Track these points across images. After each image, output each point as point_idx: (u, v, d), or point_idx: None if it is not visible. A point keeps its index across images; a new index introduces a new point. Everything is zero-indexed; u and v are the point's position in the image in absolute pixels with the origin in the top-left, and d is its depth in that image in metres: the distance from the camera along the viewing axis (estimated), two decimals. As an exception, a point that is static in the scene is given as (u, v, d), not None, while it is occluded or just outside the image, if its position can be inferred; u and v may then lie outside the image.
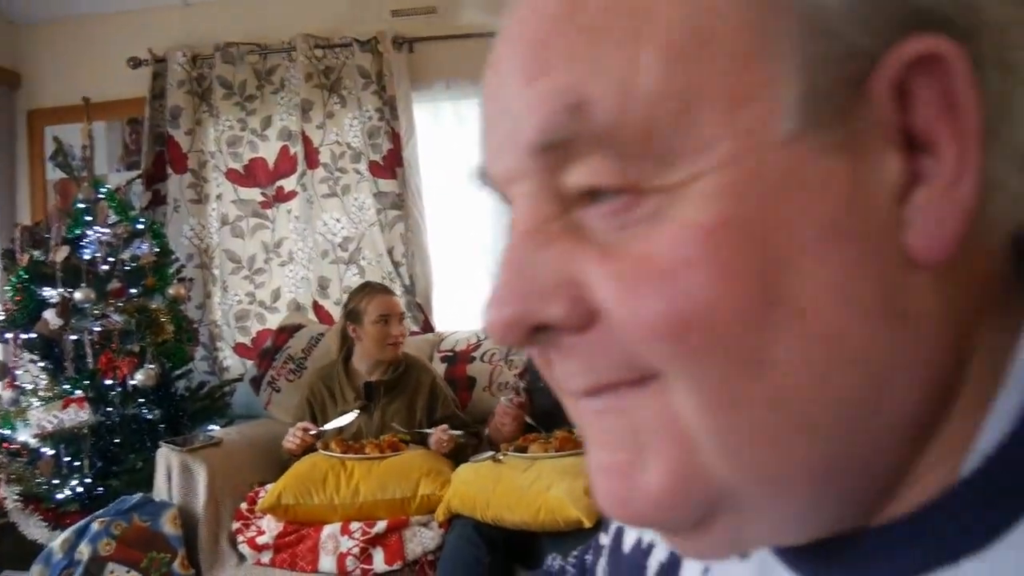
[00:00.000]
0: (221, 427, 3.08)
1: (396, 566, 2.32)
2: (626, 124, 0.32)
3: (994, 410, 0.32)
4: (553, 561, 0.93)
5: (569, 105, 0.33)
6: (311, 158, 3.55)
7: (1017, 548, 0.31)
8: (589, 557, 0.86)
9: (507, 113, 0.36)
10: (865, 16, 0.30)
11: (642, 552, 0.57)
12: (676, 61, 0.32)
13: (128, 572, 2.32)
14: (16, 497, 2.65)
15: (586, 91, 0.33)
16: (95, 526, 2.35)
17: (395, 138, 3.47)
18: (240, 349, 3.64)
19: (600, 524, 2.09)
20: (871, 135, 0.31)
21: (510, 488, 2.27)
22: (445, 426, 2.67)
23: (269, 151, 3.63)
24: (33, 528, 2.67)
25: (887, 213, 0.32)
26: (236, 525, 2.53)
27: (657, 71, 0.32)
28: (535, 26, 0.35)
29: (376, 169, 3.47)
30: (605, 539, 0.78)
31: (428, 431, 2.68)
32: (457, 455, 2.64)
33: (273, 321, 3.58)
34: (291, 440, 2.67)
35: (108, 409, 2.87)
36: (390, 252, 3.46)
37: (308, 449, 2.69)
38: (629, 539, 0.61)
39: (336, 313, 3.53)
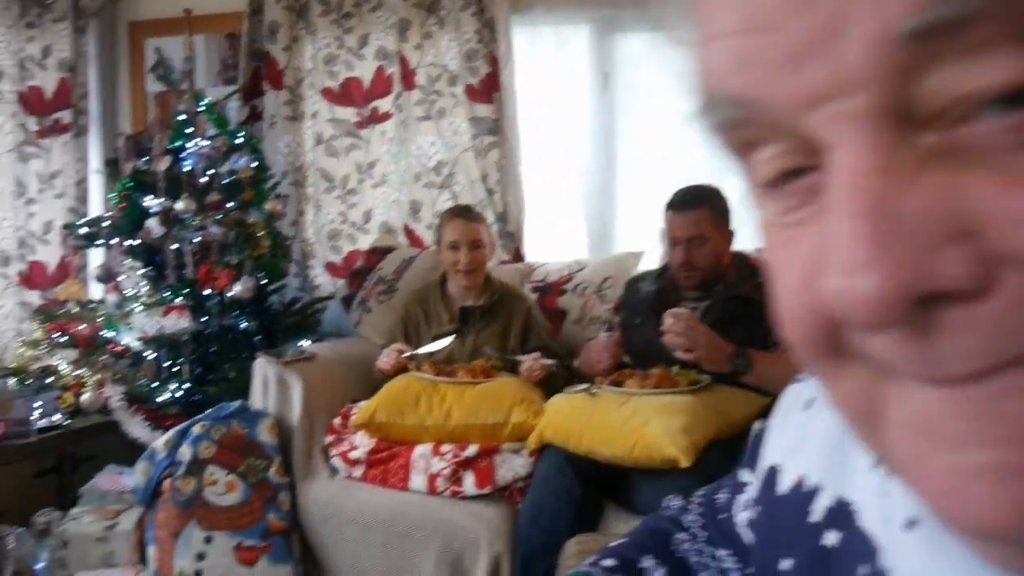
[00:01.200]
0: (311, 343, 3.13)
1: (486, 490, 2.34)
2: None
3: None
4: (671, 502, 0.89)
5: None
6: (407, 79, 3.51)
7: None
8: (722, 496, 0.82)
9: None
10: None
11: (804, 495, 0.53)
12: None
13: (227, 475, 2.38)
14: (120, 397, 2.74)
15: None
16: (196, 429, 2.42)
17: (493, 62, 3.40)
18: (331, 268, 3.68)
19: (698, 464, 2.07)
20: None
21: (605, 422, 2.25)
22: (538, 354, 2.66)
23: (365, 71, 3.60)
24: (135, 427, 2.76)
25: None
26: (329, 439, 2.58)
27: None
28: None
29: (473, 93, 3.42)
30: (748, 476, 0.74)
31: (520, 358, 2.67)
32: (548, 385, 2.64)
33: (364, 242, 3.60)
34: (385, 360, 2.70)
35: (205, 318, 2.93)
36: (483, 179, 3.42)
37: (400, 370, 2.71)
38: (786, 480, 0.56)
39: (427, 237, 3.53)
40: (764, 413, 2.29)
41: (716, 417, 2.23)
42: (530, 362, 2.61)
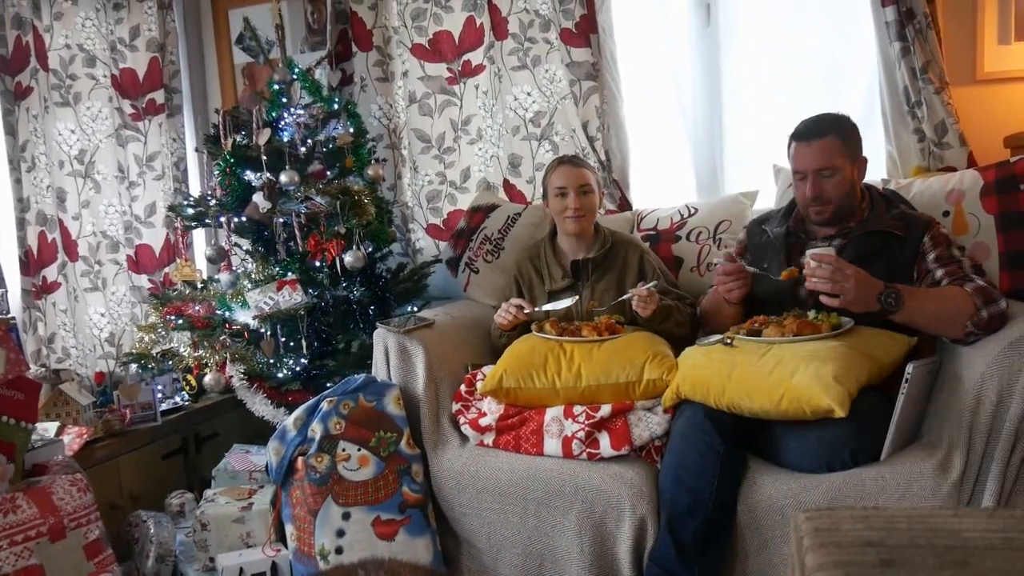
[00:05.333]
0: (419, 308, 3.08)
1: (623, 451, 2.25)
2: None
3: None
4: None
5: None
6: (498, 28, 3.37)
7: None
8: None
9: None
10: None
11: None
12: None
13: (359, 450, 2.35)
14: (241, 376, 2.73)
15: None
16: (325, 405, 2.38)
17: (588, 2, 3.23)
18: (432, 230, 3.61)
19: (850, 413, 1.94)
20: None
21: (747, 374, 2.13)
22: (642, 282, 2.54)
23: (454, 23, 3.47)
24: (258, 405, 2.75)
25: None
26: (456, 407, 2.52)
27: None
28: None
29: (568, 37, 3.26)
30: None
31: (627, 296, 2.54)
32: (665, 319, 2.52)
33: (464, 201, 3.51)
34: (503, 315, 2.62)
35: (318, 291, 2.89)
36: (584, 126, 3.28)
37: (518, 325, 2.63)
38: None
39: (528, 192, 3.43)
40: (913, 354, 2.15)
41: (866, 361, 2.09)
42: (637, 291, 2.48)
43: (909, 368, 2.08)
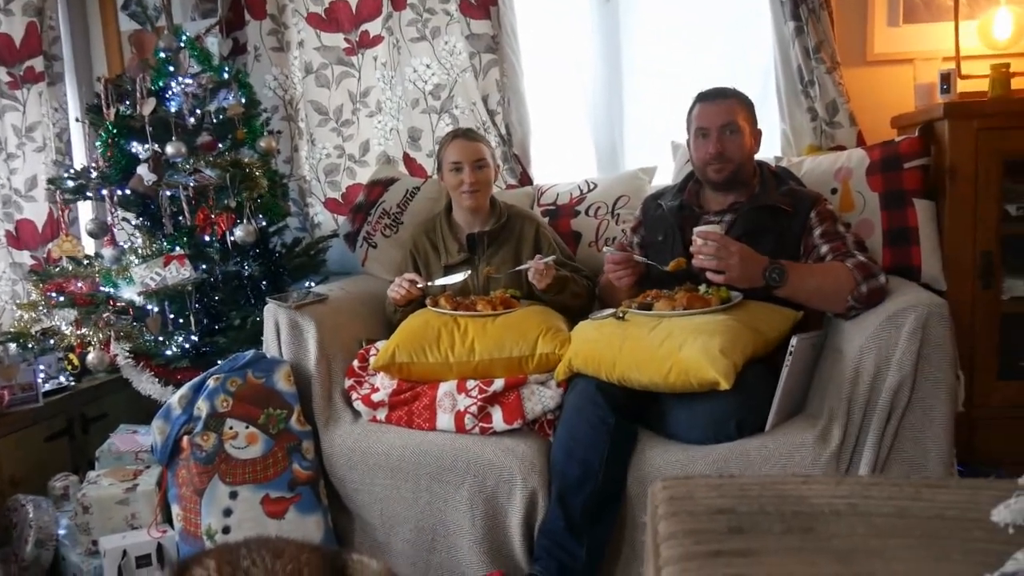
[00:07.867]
0: (316, 284, 3.02)
1: (516, 425, 2.25)
2: None
3: None
4: None
5: None
6: (397, -2, 3.32)
7: None
8: None
9: None
10: None
11: None
12: None
13: (247, 428, 2.29)
14: (127, 354, 2.63)
15: None
16: (211, 383, 2.31)
17: (487, -27, 3.20)
18: (331, 204, 3.53)
19: (735, 385, 1.98)
20: None
21: (637, 347, 2.15)
22: (539, 255, 2.54)
23: (352, -8, 3.40)
24: (145, 384, 2.66)
25: None
26: (349, 382, 2.48)
27: None
28: None
29: (468, 8, 3.22)
30: None
31: (524, 267, 2.55)
32: (561, 290, 2.53)
33: (363, 175, 3.45)
34: (396, 289, 2.59)
35: (207, 266, 2.80)
36: (484, 100, 3.25)
37: (412, 300, 2.60)
38: None
39: (428, 166, 3.39)
40: (798, 328, 2.20)
41: (752, 335, 2.13)
42: (534, 264, 2.49)
43: (793, 341, 2.12)
